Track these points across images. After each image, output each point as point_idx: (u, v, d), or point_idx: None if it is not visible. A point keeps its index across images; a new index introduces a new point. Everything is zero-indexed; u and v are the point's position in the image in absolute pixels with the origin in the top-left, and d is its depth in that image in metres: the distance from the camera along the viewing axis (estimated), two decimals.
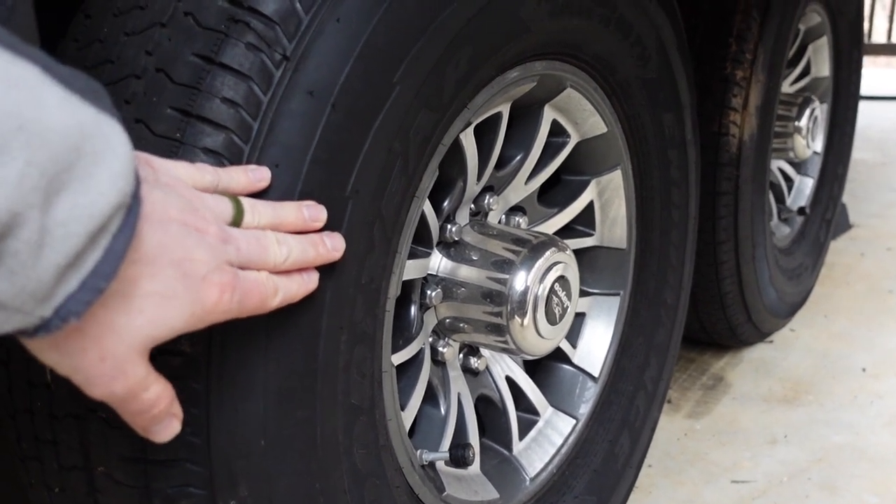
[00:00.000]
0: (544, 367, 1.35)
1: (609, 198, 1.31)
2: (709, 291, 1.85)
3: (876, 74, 6.17)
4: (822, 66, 2.23)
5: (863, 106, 5.13)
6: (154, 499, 0.68)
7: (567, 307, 1.13)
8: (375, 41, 0.73)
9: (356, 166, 0.73)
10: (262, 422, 0.70)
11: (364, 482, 0.82)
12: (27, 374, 0.73)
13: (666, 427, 1.82)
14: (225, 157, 0.66)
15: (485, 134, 1.07)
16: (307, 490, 0.75)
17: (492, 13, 0.86)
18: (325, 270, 0.71)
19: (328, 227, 0.71)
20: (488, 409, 1.24)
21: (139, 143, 0.67)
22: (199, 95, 0.66)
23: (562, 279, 1.11)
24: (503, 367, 1.24)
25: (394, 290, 0.86)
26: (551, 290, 1.10)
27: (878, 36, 6.33)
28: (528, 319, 1.08)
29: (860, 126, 4.67)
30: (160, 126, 0.66)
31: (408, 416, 1.00)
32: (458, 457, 1.03)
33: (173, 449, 0.67)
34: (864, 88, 5.36)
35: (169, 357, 0.66)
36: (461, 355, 1.19)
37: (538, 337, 1.10)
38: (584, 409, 1.32)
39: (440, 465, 1.07)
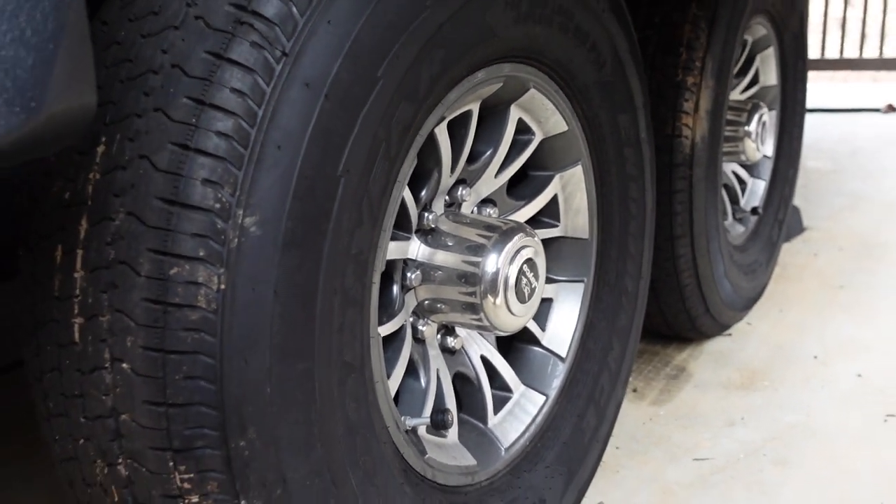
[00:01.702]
0: (516, 349, 1.46)
1: (572, 191, 1.42)
2: (669, 284, 1.98)
3: (829, 88, 6.42)
4: (770, 75, 2.39)
5: (816, 118, 5.37)
6: (174, 440, 0.78)
7: (535, 287, 1.25)
8: (361, 41, 0.84)
9: (346, 148, 0.83)
10: (267, 372, 0.80)
11: (356, 433, 0.92)
12: (56, 337, 0.82)
13: (632, 413, 1.93)
14: (235, 139, 0.77)
15: (457, 130, 1.18)
16: (307, 435, 0.85)
17: (461, 19, 0.98)
18: (320, 240, 0.81)
19: (324, 202, 0.81)
20: (465, 387, 1.35)
21: (159, 129, 0.77)
22: (212, 86, 0.77)
23: (530, 261, 1.22)
24: (478, 347, 1.35)
25: (380, 265, 0.97)
26: (520, 271, 1.21)
27: (832, 52, 6.60)
28: (500, 298, 1.19)
29: (814, 137, 4.88)
30: (178, 113, 0.77)
31: (392, 384, 1.10)
32: (438, 421, 1.13)
33: (191, 394, 0.77)
34: (818, 101, 5.58)
35: (188, 311, 0.75)
36: (439, 335, 1.29)
37: (510, 314, 1.21)
38: (554, 387, 1.43)
39: (422, 431, 1.17)
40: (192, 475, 0.79)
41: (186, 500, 0.80)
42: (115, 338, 0.78)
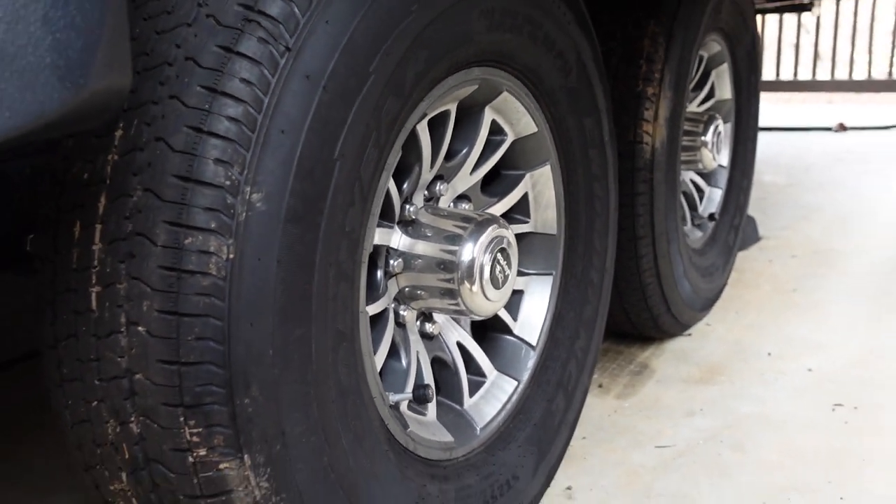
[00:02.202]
0: (490, 338, 1.55)
1: (541, 189, 1.53)
2: (632, 284, 2.09)
3: (786, 109, 6.67)
4: (725, 89, 2.54)
5: (773, 136, 5.59)
6: (185, 396, 0.85)
7: (508, 274, 1.34)
8: (356, 38, 0.93)
9: (342, 135, 0.93)
10: (270, 335, 0.88)
11: (347, 398, 1.01)
12: (73, 304, 0.89)
13: (598, 407, 2.03)
14: (244, 123, 0.85)
15: (437, 129, 1.28)
16: (304, 395, 0.93)
17: (443, 23, 1.08)
18: (318, 217, 0.90)
19: (322, 182, 0.90)
20: (442, 371, 1.44)
21: (175, 114, 0.85)
22: (223, 77, 0.85)
23: (503, 251, 1.32)
24: (455, 334, 1.44)
25: (368, 245, 1.06)
26: (495, 259, 1.30)
27: (786, 74, 6.86)
28: (476, 285, 1.28)
29: (771, 153, 5.09)
30: (192, 100, 0.85)
31: (378, 360, 1.18)
32: (420, 395, 1.21)
33: (201, 353, 0.85)
34: (775, 120, 5.80)
35: (200, 278, 0.84)
36: (418, 322, 1.38)
37: (485, 299, 1.30)
38: (525, 373, 1.52)
39: (404, 408, 1.25)
40: (200, 429, 0.87)
41: (194, 454, 0.88)
42: (131, 303, 0.85)
